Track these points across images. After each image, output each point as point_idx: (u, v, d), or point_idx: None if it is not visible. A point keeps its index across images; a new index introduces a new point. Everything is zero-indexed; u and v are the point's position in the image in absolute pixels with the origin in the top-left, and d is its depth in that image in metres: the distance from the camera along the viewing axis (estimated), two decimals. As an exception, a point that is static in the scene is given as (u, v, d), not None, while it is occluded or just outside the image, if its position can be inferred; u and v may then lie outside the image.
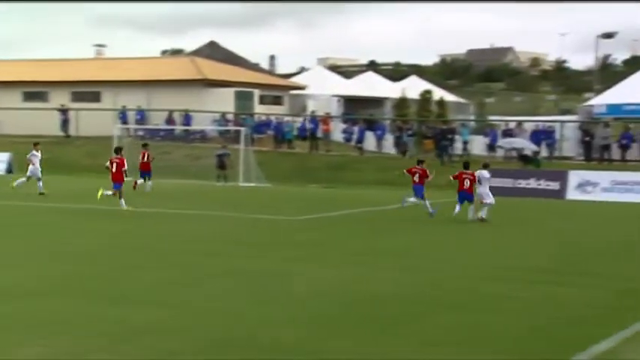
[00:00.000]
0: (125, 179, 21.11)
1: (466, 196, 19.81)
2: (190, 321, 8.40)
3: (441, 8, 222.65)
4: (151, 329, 8.03)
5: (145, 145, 29.11)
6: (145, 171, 27.65)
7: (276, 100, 49.83)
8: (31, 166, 25.30)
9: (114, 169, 20.68)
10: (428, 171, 20.97)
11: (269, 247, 14.44)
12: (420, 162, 21.95)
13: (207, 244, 14.61)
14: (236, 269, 11.85)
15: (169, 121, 42.10)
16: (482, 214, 19.30)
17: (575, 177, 28.46)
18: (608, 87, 44.25)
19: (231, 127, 39.56)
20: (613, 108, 36.46)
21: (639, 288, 10.62)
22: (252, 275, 11.36)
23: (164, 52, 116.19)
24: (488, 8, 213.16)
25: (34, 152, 25.64)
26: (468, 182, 19.75)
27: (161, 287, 10.33)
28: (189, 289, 10.24)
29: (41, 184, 24.77)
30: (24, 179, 25.37)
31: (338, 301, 9.61)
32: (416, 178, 20.89)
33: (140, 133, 42.22)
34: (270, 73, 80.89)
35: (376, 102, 50.95)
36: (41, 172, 25.32)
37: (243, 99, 45.63)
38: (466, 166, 20.80)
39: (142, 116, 43.49)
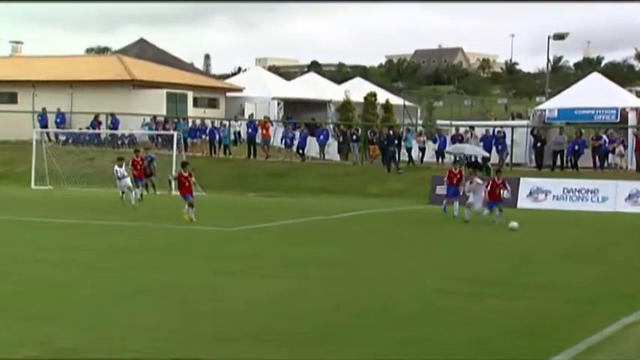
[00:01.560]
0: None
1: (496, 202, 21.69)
2: (119, 342, 8.24)
3: (388, 7, 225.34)
4: (77, 351, 7.86)
5: (137, 151, 29.54)
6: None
7: (212, 103, 49.55)
8: None
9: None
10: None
11: (203, 260, 14.33)
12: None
13: (137, 257, 14.41)
14: (168, 283, 11.72)
15: (94, 124, 41.39)
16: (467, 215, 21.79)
17: (526, 185, 29.07)
18: (560, 90, 45.42)
19: (163, 132, 39.14)
20: (565, 112, 37.40)
21: (591, 299, 10.88)
22: (185, 290, 11.25)
23: (89, 51, 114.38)
24: (436, 7, 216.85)
25: None
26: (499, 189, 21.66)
27: (89, 304, 10.14)
28: (119, 306, 10.07)
29: None
30: None
31: (276, 315, 9.58)
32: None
33: (62, 137, 41.42)
34: (205, 73, 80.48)
35: (319, 105, 51.12)
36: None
37: (175, 101, 45.23)
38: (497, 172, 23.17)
39: (63, 119, 42.65)
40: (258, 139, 39.75)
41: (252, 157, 39.21)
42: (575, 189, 28.46)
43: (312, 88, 53.27)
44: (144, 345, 8.16)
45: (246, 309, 9.97)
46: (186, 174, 21.78)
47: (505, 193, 21.92)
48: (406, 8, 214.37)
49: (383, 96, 52.24)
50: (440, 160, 36.51)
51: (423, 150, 37.34)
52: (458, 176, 23.64)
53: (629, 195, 27.52)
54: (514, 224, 19.19)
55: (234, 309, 9.95)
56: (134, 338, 8.44)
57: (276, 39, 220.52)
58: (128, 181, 26.17)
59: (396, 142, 35.45)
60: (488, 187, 21.77)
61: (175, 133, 35.59)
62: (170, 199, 29.74)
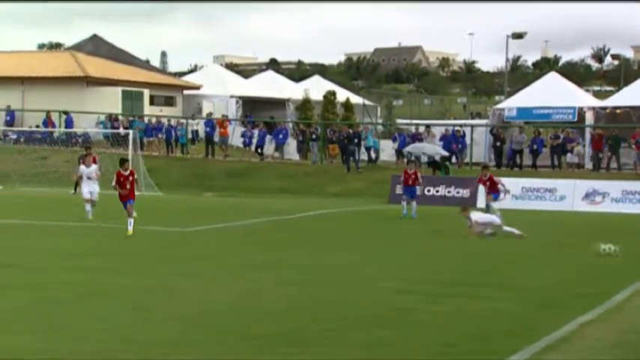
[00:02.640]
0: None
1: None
2: (70, 345, 8.09)
3: (347, 5, 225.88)
4: (25, 354, 7.68)
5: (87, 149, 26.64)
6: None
7: (168, 101, 49.16)
8: None
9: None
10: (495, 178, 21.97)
11: (158, 262, 14.15)
12: (485, 167, 23.38)
13: (88, 260, 14.16)
14: (121, 287, 11.53)
15: (47, 122, 40.74)
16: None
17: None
18: (519, 90, 46.01)
19: (118, 130, 38.69)
20: (523, 112, 37.89)
21: (551, 299, 10.97)
22: (139, 293, 11.08)
23: (41, 46, 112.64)
24: (396, 6, 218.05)
25: None
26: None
27: (36, 308, 9.90)
28: (69, 310, 9.87)
29: None
30: None
31: (232, 319, 9.48)
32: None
33: (12, 136, 40.72)
34: (162, 71, 79.79)
35: (277, 103, 51.01)
36: None
37: (131, 99, 44.77)
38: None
39: (13, 117, 41.90)
40: (216, 138, 39.55)
41: (209, 156, 38.97)
42: (534, 188, 28.82)
43: (270, 86, 53.14)
44: (96, 348, 8.01)
45: (201, 312, 9.86)
46: (126, 173, 18.40)
47: (500, 187, 21.62)
48: (366, 6, 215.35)
49: (342, 94, 52.31)
50: (400, 159, 36.69)
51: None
52: (413, 177, 23.58)
53: (586, 194, 27.97)
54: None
55: (189, 312, 9.83)
56: (86, 341, 8.27)
57: (235, 36, 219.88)
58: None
59: (356, 141, 35.55)
60: (482, 186, 22.03)
61: (131, 132, 35.21)
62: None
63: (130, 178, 18.31)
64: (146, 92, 46.08)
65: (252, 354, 7.98)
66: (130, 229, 17.68)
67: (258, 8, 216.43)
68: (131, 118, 41.12)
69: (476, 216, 18.80)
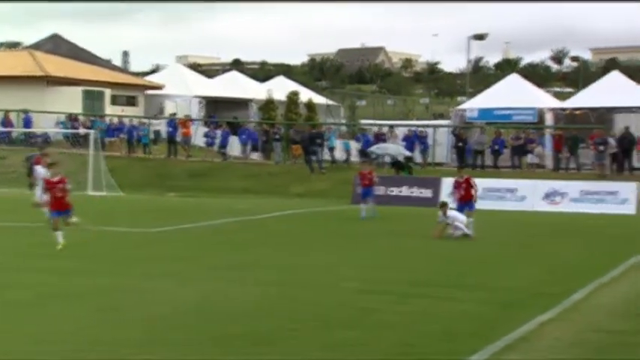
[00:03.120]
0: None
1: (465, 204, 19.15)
2: (34, 347, 8.05)
3: (311, 5, 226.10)
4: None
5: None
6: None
7: (130, 101, 48.78)
8: None
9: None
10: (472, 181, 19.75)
11: (123, 263, 14.09)
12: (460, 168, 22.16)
13: (52, 261, 14.05)
14: (86, 288, 11.48)
15: (5, 122, 40.16)
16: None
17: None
18: (480, 91, 46.55)
19: (78, 130, 38.30)
20: (485, 112, 38.35)
21: (512, 299, 11.17)
22: (104, 294, 11.05)
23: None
24: (359, 6, 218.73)
25: None
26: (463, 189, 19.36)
27: (-3, 311, 9.84)
28: (32, 311, 9.82)
29: None
30: None
31: (200, 319, 9.51)
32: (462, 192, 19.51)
33: (-30, 136, 40.09)
34: (124, 70, 79.05)
35: (241, 104, 50.91)
36: None
37: (92, 99, 44.36)
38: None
39: (-30, 116, 41.26)
40: (179, 138, 39.37)
41: (172, 156, 38.79)
42: (495, 188, 29.17)
43: (234, 86, 53.02)
44: (62, 348, 7.99)
45: (168, 313, 9.86)
46: (55, 179, 15.76)
47: (472, 192, 19.44)
48: (329, 7, 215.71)
49: (306, 95, 52.41)
50: (365, 159, 36.85)
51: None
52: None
53: (546, 194, 28.39)
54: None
55: (157, 313, 9.83)
56: (50, 343, 8.24)
57: (198, 36, 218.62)
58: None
59: (319, 141, 35.65)
60: (455, 190, 19.67)
61: (92, 132, 34.88)
62: (88, 200, 29.13)
63: (61, 185, 15.66)
64: (107, 92, 45.69)
65: (219, 354, 8.03)
66: (61, 240, 15.42)
67: (222, 8, 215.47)
68: (92, 118, 40.73)
69: (453, 215, 18.43)
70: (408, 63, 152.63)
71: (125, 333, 8.77)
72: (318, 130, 36.69)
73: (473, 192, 19.35)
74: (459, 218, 18.51)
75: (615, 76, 39.52)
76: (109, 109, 44.71)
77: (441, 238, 18.11)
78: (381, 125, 40.80)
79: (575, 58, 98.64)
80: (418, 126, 40.01)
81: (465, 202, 19.13)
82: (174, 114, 44.03)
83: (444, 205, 18.87)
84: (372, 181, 23.62)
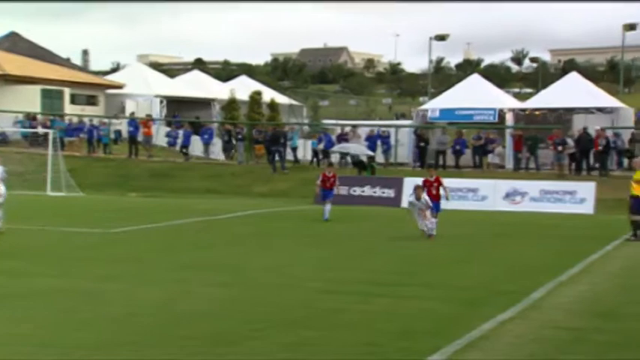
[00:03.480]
0: None
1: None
2: (-14, 351, 7.89)
3: (274, 5, 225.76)
4: None
5: None
6: None
7: (90, 100, 48.24)
8: None
9: None
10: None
11: (81, 264, 13.89)
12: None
13: (6, 262, 13.81)
14: (42, 289, 11.28)
15: (-39, 121, 39.42)
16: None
17: (410, 184, 29.73)
18: (442, 91, 46.89)
19: (37, 130, 37.75)
20: (446, 113, 38.63)
21: (474, 298, 11.25)
22: (61, 296, 10.87)
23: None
24: (321, 6, 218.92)
25: None
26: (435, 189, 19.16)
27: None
28: (-16, 315, 9.62)
29: None
30: None
31: (159, 320, 9.41)
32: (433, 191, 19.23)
33: None
34: (83, 69, 78.14)
35: (203, 103, 50.64)
36: None
37: (50, 98, 43.77)
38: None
39: None
40: (140, 138, 39.03)
41: (133, 156, 38.44)
42: (457, 188, 29.37)
43: (196, 86, 52.74)
44: (13, 351, 7.83)
45: (127, 314, 9.74)
46: None
47: (442, 193, 19.36)
48: (292, 6, 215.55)
49: (268, 95, 52.31)
50: (326, 159, 36.88)
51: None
52: (332, 179, 22.89)
53: (507, 194, 28.69)
54: None
55: (115, 314, 9.70)
56: (1, 345, 8.09)
57: (160, 36, 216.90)
58: None
59: (282, 141, 35.60)
60: (424, 188, 19.05)
61: (50, 132, 34.40)
62: (47, 201, 28.73)
63: None
64: (67, 91, 45.12)
65: (178, 355, 7.95)
66: None
67: (184, 8, 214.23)
68: (51, 118, 40.18)
69: (426, 199, 18.23)
70: (370, 63, 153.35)
71: (79, 335, 8.63)
72: (281, 130, 36.61)
73: (442, 192, 19.35)
74: (431, 206, 18.39)
75: (573, 78, 40.08)
76: (69, 109, 44.14)
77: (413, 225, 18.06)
78: (343, 125, 40.87)
79: (534, 59, 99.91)
80: (380, 126, 40.16)
81: (434, 202, 18.88)
82: (133, 113, 43.63)
83: (418, 188, 18.57)
84: (332, 184, 23.06)
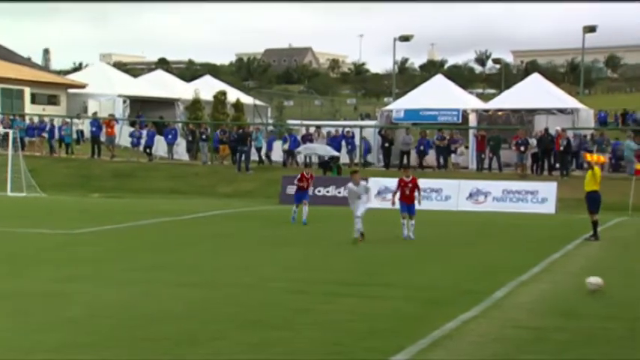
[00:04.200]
0: None
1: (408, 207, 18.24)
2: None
3: (239, 5, 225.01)
4: None
5: None
6: None
7: (52, 100, 47.66)
8: None
9: None
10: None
11: (42, 265, 13.70)
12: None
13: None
14: (1, 292, 11.11)
15: None
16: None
17: (374, 184, 29.83)
18: (406, 91, 47.14)
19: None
20: (410, 113, 38.83)
21: (437, 297, 11.32)
22: (21, 297, 10.71)
23: None
24: (286, 6, 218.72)
25: None
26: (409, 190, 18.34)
27: None
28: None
29: None
30: None
31: (121, 322, 9.31)
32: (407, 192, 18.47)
33: None
34: (44, 68, 77.14)
35: (167, 103, 50.28)
36: None
37: (10, 97, 43.18)
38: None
39: None
40: (103, 138, 38.64)
41: (95, 156, 38.04)
42: (421, 188, 29.55)
43: (160, 85, 52.34)
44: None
45: (88, 315, 9.62)
46: None
47: (416, 195, 18.52)
48: (257, 7, 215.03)
49: (233, 95, 52.11)
50: (290, 160, 36.87)
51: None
52: (310, 180, 22.48)
53: (470, 194, 28.93)
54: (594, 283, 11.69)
55: (76, 316, 9.58)
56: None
57: (123, 35, 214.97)
58: None
59: (247, 141, 35.48)
60: (398, 189, 18.65)
61: (11, 132, 33.87)
62: (7, 201, 28.29)
63: None
64: (27, 90, 44.51)
65: (140, 356, 7.88)
66: None
67: (147, 7, 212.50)
68: (11, 117, 39.58)
69: (363, 186, 17.74)
70: (335, 63, 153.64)
71: (39, 337, 8.51)
72: (246, 130, 36.51)
73: (417, 194, 18.53)
74: (369, 198, 17.63)
75: (535, 79, 40.58)
76: (30, 108, 43.55)
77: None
78: (308, 125, 40.88)
79: (497, 61, 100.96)
80: (345, 126, 40.24)
81: (408, 204, 18.32)
82: (96, 113, 43.19)
83: (355, 173, 17.90)
84: (309, 186, 22.45)
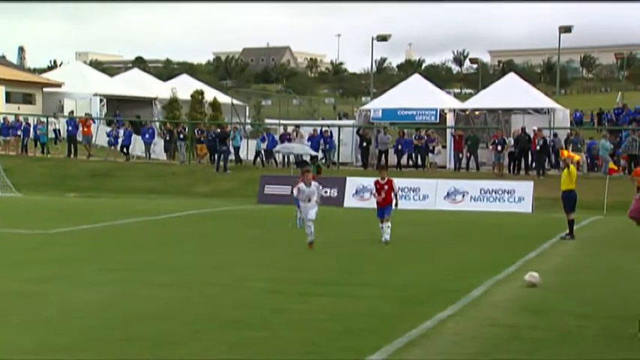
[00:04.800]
0: None
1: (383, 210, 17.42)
2: None
3: (216, 4, 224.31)
4: None
5: None
6: None
7: (27, 99, 47.27)
8: None
9: None
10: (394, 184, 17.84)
11: (16, 266, 13.58)
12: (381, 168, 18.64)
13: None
14: (-26, 293, 11.02)
15: None
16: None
17: (352, 184, 29.95)
18: (384, 91, 47.27)
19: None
20: (388, 113, 38.96)
21: (413, 296, 11.37)
22: (-4, 299, 10.63)
23: None
24: (264, 6, 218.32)
25: None
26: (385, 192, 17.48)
27: None
28: None
29: None
30: None
31: (96, 322, 9.25)
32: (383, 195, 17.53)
33: None
34: (19, 67, 76.43)
35: (144, 102, 50.04)
36: None
37: (-15, 96, 42.72)
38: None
39: None
40: (80, 137, 38.38)
41: (72, 155, 37.77)
42: (398, 187, 29.59)
43: (136, 84, 52.09)
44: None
45: (64, 316, 9.55)
46: None
47: (393, 197, 17.62)
48: (235, 5, 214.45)
49: (210, 94, 51.97)
50: (268, 159, 36.86)
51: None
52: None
53: (448, 193, 29.08)
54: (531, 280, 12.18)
55: (51, 316, 9.51)
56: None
57: (99, 33, 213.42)
58: None
59: (226, 141, 35.42)
60: (374, 191, 17.98)
61: (-15, 131, 33.61)
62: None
63: None
64: (2, 89, 44.11)
65: (118, 357, 7.84)
66: None
67: (124, 6, 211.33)
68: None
69: (315, 187, 16.56)
70: (313, 63, 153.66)
71: (14, 338, 8.43)
72: (224, 130, 36.43)
73: (393, 195, 17.62)
74: (315, 196, 16.35)
75: (512, 79, 40.87)
76: (4, 107, 43.15)
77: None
78: (286, 125, 40.88)
79: (474, 60, 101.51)
80: (323, 126, 40.29)
81: (383, 206, 17.52)
82: (72, 112, 42.90)
83: (306, 172, 16.80)
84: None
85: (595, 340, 8.95)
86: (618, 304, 10.99)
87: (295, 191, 16.58)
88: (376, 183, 17.92)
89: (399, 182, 29.65)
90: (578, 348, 8.58)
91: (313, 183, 16.62)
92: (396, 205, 17.76)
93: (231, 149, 36.12)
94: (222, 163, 34.89)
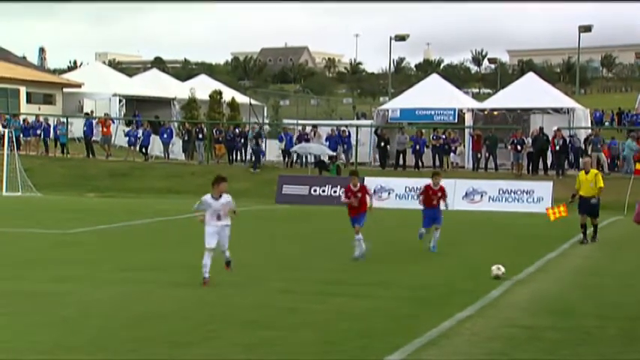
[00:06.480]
0: None
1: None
2: None
3: (235, 5, 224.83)
4: None
5: None
6: None
7: (47, 99, 47.59)
8: None
9: None
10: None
11: (37, 265, 13.67)
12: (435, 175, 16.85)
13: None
14: (-5, 292, 11.09)
15: None
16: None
17: (370, 183, 29.82)
18: (402, 91, 47.15)
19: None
20: (406, 112, 38.84)
21: (431, 296, 11.31)
22: (16, 298, 10.67)
23: None
24: (282, 6, 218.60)
25: None
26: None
27: None
28: None
29: None
30: None
31: (115, 322, 9.28)
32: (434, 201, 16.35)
33: None
34: (40, 67, 77.02)
35: (163, 103, 50.23)
36: None
37: (5, 96, 43.11)
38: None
39: None
40: (99, 138, 38.60)
41: (91, 156, 37.99)
42: (416, 187, 29.54)
43: (155, 85, 52.30)
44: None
45: (82, 316, 9.59)
46: None
47: (442, 205, 16.43)
48: (253, 6, 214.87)
49: (229, 94, 52.07)
50: (286, 159, 36.87)
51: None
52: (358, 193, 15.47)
53: (466, 193, 28.94)
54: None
55: (69, 316, 9.55)
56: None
57: (118, 34, 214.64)
58: None
59: (243, 140, 35.50)
60: (422, 196, 16.50)
61: (7, 131, 33.82)
62: (3, 201, 28.23)
63: None
64: (22, 89, 44.44)
65: (135, 357, 7.85)
66: None
67: (144, 7, 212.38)
68: (7, 117, 39.53)
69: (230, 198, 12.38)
70: (330, 63, 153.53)
71: (33, 338, 8.47)
72: (242, 130, 36.48)
73: (368, 200, 15.25)
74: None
75: (531, 78, 40.60)
76: (25, 108, 43.49)
77: None
78: (304, 125, 40.88)
79: (493, 60, 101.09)
80: (340, 125, 40.24)
81: (358, 214, 15.13)
82: (91, 112, 43.16)
83: (221, 180, 12.10)
84: (363, 200, 15.40)
85: (614, 341, 8.86)
86: (638, 306, 10.88)
87: (199, 205, 12.29)
88: (428, 188, 16.42)
89: (416, 182, 29.75)
90: (597, 349, 8.49)
91: (224, 196, 12.31)
92: (370, 207, 15.27)
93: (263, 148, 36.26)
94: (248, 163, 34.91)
